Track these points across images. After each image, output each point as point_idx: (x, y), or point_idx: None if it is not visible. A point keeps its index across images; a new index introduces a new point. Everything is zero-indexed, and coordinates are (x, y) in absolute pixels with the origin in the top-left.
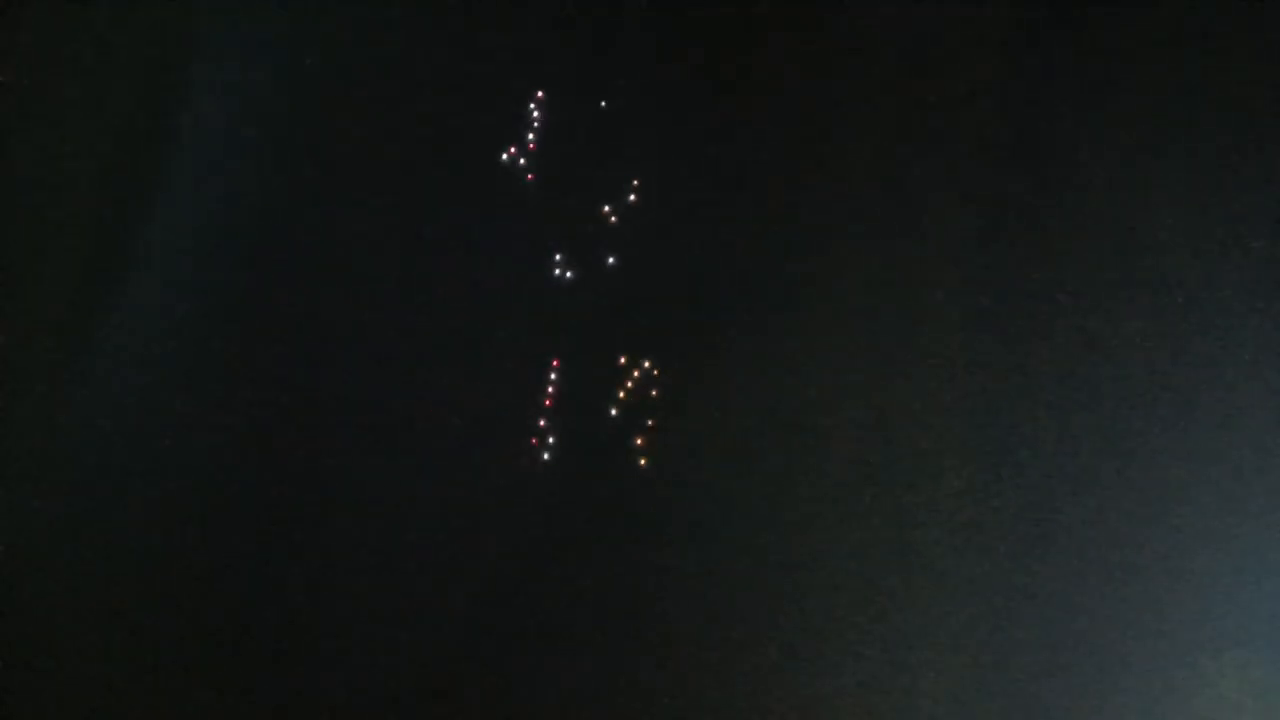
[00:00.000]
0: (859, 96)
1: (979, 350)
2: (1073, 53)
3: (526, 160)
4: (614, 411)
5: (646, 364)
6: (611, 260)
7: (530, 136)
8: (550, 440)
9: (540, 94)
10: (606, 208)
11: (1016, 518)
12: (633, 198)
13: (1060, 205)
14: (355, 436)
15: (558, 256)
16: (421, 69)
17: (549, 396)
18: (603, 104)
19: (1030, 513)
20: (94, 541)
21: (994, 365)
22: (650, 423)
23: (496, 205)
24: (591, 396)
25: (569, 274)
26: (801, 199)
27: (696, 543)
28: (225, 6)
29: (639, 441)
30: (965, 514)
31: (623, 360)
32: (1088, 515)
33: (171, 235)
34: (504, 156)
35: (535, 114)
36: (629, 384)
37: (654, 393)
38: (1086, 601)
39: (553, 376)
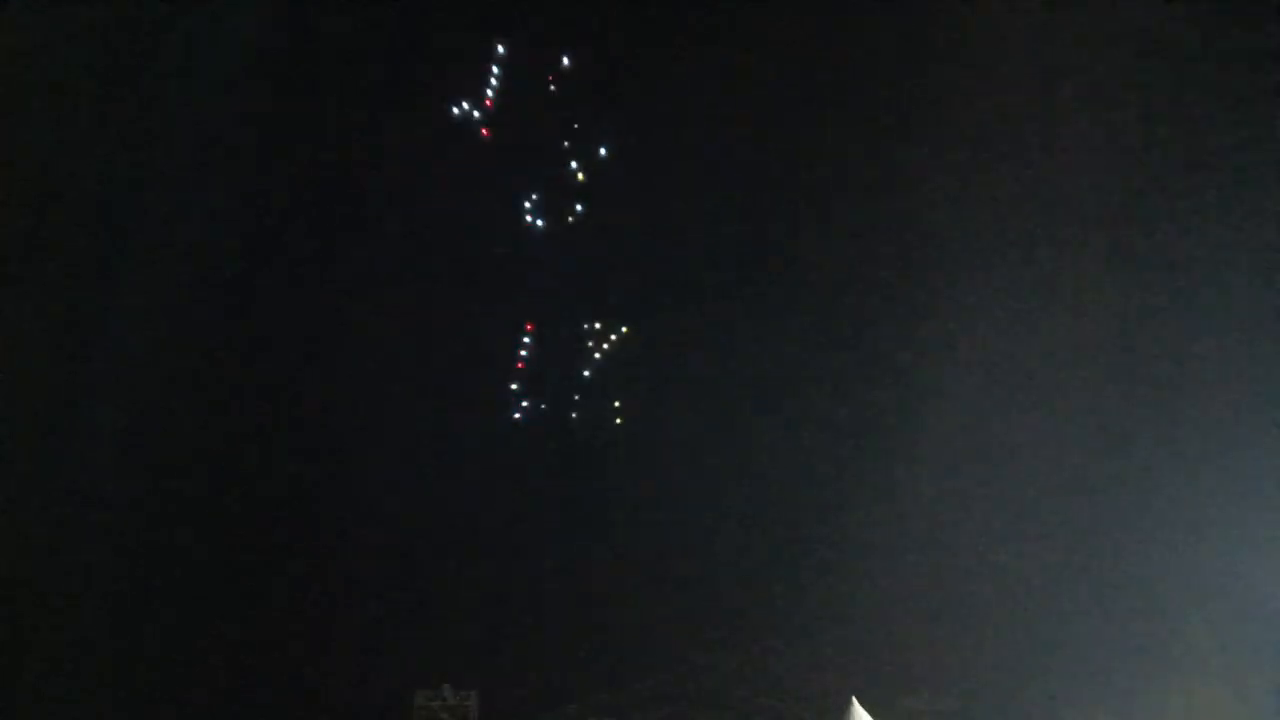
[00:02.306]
0: (845, 82)
1: (974, 348)
2: (1072, 51)
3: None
4: (587, 374)
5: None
6: (584, 221)
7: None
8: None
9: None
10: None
11: (1009, 515)
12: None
13: (1059, 203)
14: (351, 431)
15: (529, 219)
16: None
17: (520, 360)
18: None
19: (1022, 508)
20: (93, 541)
21: (988, 363)
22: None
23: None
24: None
25: (542, 239)
26: (790, 179)
27: (676, 531)
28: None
29: (616, 404)
30: (957, 510)
31: (598, 325)
32: (1083, 514)
33: (170, 235)
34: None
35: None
36: (605, 347)
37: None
38: (1078, 596)
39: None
